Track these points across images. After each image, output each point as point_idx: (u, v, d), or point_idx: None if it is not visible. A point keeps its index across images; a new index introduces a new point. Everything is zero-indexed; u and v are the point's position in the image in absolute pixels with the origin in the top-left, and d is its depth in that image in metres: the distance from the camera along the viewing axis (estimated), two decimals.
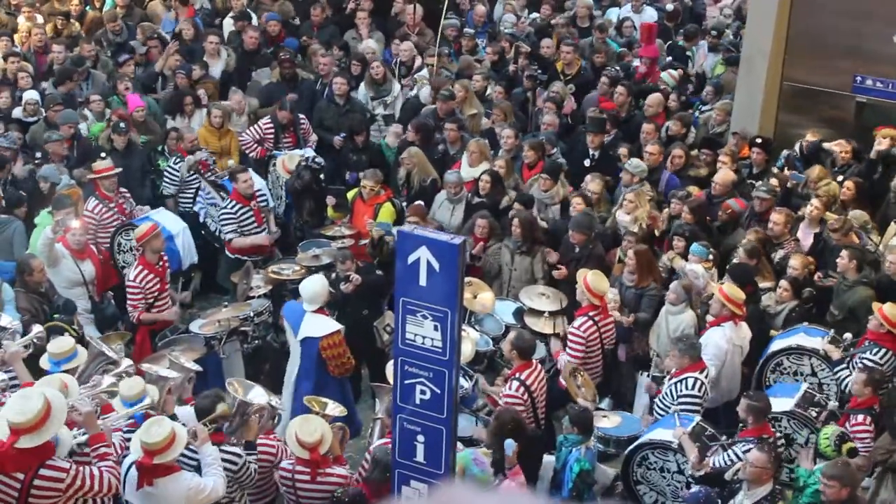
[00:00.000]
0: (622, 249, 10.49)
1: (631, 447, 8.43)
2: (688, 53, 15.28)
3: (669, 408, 8.64)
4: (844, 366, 8.99)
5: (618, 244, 10.74)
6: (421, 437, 6.86)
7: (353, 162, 12.59)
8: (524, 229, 10.51)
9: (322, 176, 12.30)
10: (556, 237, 10.90)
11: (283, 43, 14.71)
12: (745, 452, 7.66)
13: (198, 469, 7.18)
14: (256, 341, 10.03)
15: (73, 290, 10.15)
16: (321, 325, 9.17)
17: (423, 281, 6.46)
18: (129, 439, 7.28)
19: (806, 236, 10.59)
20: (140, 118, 12.58)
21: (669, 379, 8.81)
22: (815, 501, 7.53)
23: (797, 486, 7.76)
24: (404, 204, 11.56)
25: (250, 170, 11.42)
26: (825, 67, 12.56)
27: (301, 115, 12.96)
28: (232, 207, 11.06)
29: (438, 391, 6.69)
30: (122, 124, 11.99)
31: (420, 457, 6.90)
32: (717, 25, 15.57)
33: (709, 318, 9.36)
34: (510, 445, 7.54)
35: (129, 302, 9.90)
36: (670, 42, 15.74)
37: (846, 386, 8.81)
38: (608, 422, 8.89)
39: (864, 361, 8.82)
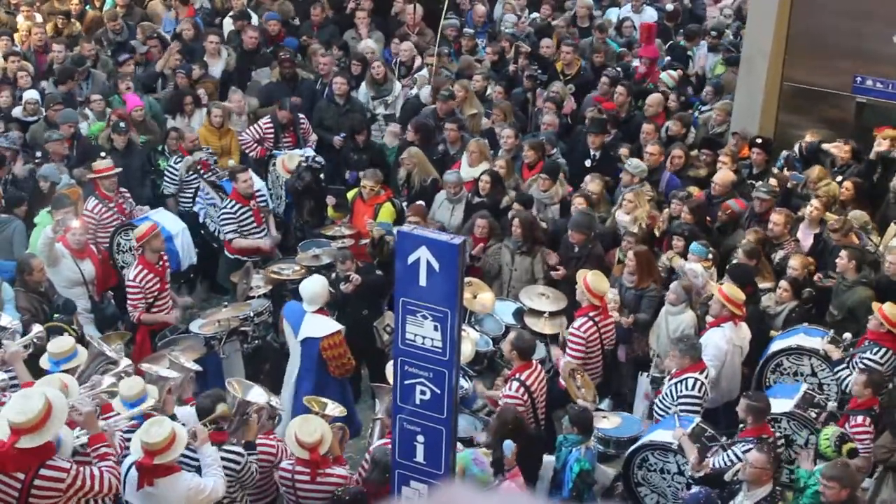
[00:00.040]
0: (622, 250, 10.49)
1: (631, 449, 8.42)
2: (689, 53, 15.28)
3: (669, 408, 8.64)
4: (844, 366, 8.99)
5: (617, 244, 10.74)
6: (421, 438, 6.86)
7: (354, 162, 12.59)
8: (524, 229, 10.51)
9: (322, 176, 12.31)
10: (556, 237, 10.90)
11: (282, 42, 14.71)
12: (744, 453, 7.66)
13: (199, 470, 7.18)
14: (256, 341, 10.02)
15: (72, 290, 10.15)
16: (322, 326, 9.17)
17: (423, 281, 6.46)
18: (128, 439, 7.29)
19: (806, 237, 10.59)
20: (139, 118, 12.57)
21: (669, 379, 8.81)
22: (815, 502, 7.53)
23: (797, 487, 7.76)
24: (404, 204, 11.56)
25: (250, 170, 11.43)
26: (825, 68, 12.56)
27: (301, 115, 12.96)
28: (232, 207, 11.06)
29: (438, 391, 6.69)
30: (121, 124, 11.99)
31: (420, 457, 6.90)
32: (717, 26, 15.57)
33: (708, 318, 9.36)
34: (508, 447, 7.55)
35: (129, 302, 9.90)
36: (671, 42, 15.74)
37: (846, 386, 8.81)
38: (608, 422, 8.88)
39: (865, 361, 8.83)
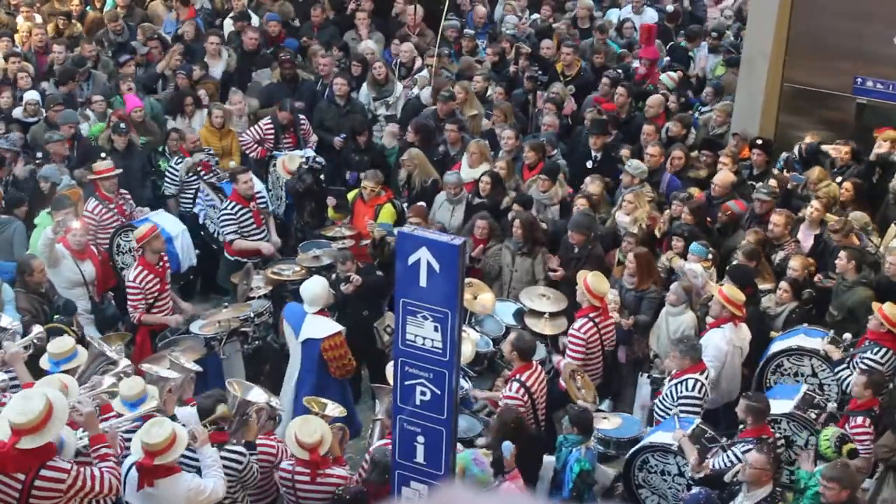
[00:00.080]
0: (621, 250, 10.49)
1: (632, 451, 8.42)
2: (690, 54, 15.28)
3: (670, 409, 8.64)
4: (845, 366, 8.99)
5: (617, 245, 10.73)
6: (421, 438, 6.87)
7: (355, 163, 12.60)
8: (525, 230, 10.51)
9: (322, 176, 12.31)
10: (556, 238, 10.90)
11: (282, 43, 14.71)
12: (744, 453, 7.66)
13: (199, 471, 7.18)
14: (257, 342, 10.02)
15: (73, 291, 10.15)
16: (322, 327, 9.18)
17: (423, 282, 6.47)
18: (129, 440, 7.29)
19: (806, 238, 10.59)
20: (138, 118, 12.56)
21: (670, 380, 8.81)
22: (815, 503, 7.53)
23: (798, 488, 7.76)
24: (405, 205, 11.56)
25: (250, 171, 11.43)
26: (826, 69, 12.56)
27: (301, 116, 12.97)
28: (232, 208, 11.06)
29: (438, 392, 6.70)
30: (122, 125, 11.99)
31: (420, 457, 6.91)
32: (717, 27, 15.58)
33: (709, 319, 9.36)
34: (507, 448, 7.54)
35: (129, 302, 9.91)
36: (672, 43, 15.74)
37: (847, 386, 8.81)
38: (608, 423, 8.88)
39: (866, 361, 8.83)
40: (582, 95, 13.84)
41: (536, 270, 10.59)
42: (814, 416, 8.54)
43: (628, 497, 8.47)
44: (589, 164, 12.20)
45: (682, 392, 8.61)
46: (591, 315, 9.37)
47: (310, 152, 12.44)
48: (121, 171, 11.18)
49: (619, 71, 14.18)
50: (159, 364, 8.40)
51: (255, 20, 15.33)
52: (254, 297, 10.31)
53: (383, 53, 14.86)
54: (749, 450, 7.56)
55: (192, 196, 12.02)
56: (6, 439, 6.55)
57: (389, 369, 8.11)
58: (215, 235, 11.57)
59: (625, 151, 12.12)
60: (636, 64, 14.75)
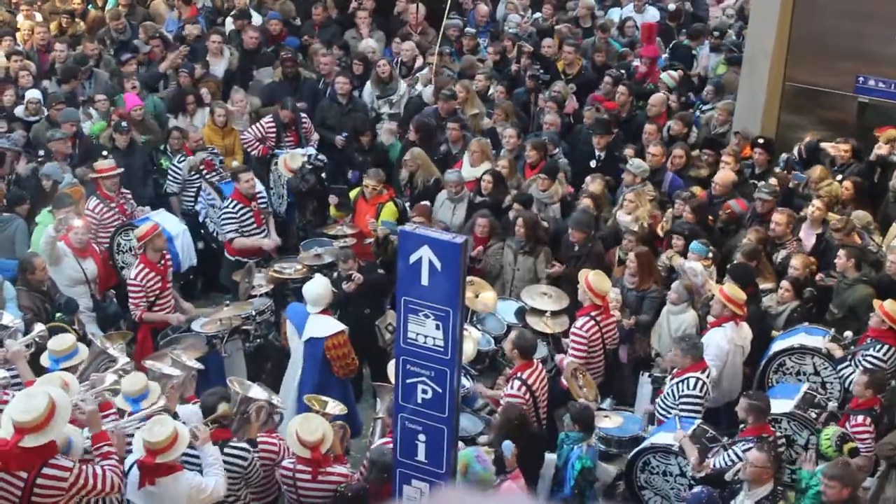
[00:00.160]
0: (622, 249, 10.50)
1: (633, 452, 8.42)
2: (693, 53, 15.27)
3: (671, 408, 8.65)
4: (848, 363, 8.99)
5: (618, 244, 10.74)
6: (422, 437, 6.86)
7: (358, 162, 12.60)
8: (528, 229, 10.51)
9: (324, 175, 12.31)
10: (557, 237, 10.90)
11: (283, 42, 14.71)
12: (744, 452, 7.66)
13: (201, 469, 7.18)
14: (258, 340, 10.04)
15: (75, 289, 10.16)
16: (325, 326, 9.19)
17: (424, 280, 6.47)
18: (130, 436, 7.29)
19: (808, 237, 10.58)
20: (138, 117, 12.55)
21: (671, 379, 8.82)
22: (817, 503, 7.53)
23: (799, 487, 7.76)
24: (407, 204, 11.56)
25: (251, 171, 11.43)
26: (827, 68, 12.56)
27: (303, 114, 12.97)
28: (233, 207, 11.06)
29: (440, 390, 6.70)
30: (123, 123, 12.00)
31: (421, 456, 6.91)
32: (719, 26, 15.57)
33: (710, 318, 9.36)
34: (508, 447, 7.54)
35: (130, 300, 9.91)
36: (674, 42, 15.73)
37: (850, 384, 8.80)
38: (610, 422, 8.89)
39: (868, 359, 8.84)
40: (583, 94, 13.83)
41: (538, 269, 10.60)
42: (814, 415, 8.54)
43: (631, 498, 8.47)
44: (592, 164, 12.20)
45: (683, 391, 8.61)
46: (593, 313, 9.37)
47: (311, 150, 12.44)
48: (122, 169, 11.19)
49: (622, 70, 14.18)
50: (161, 362, 8.40)
51: (257, 19, 15.33)
52: (255, 295, 10.32)
53: (384, 52, 14.86)
54: (750, 448, 7.57)
55: (194, 194, 12.02)
56: (9, 437, 6.56)
57: (391, 367, 8.11)
58: (214, 235, 11.58)
59: (628, 151, 12.12)
60: (636, 63, 14.74)
